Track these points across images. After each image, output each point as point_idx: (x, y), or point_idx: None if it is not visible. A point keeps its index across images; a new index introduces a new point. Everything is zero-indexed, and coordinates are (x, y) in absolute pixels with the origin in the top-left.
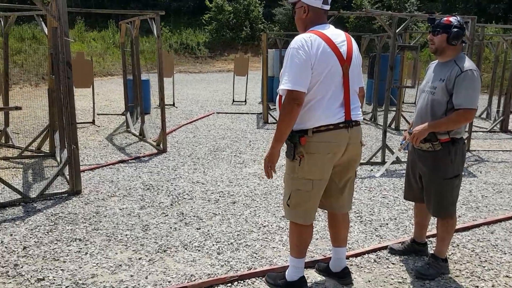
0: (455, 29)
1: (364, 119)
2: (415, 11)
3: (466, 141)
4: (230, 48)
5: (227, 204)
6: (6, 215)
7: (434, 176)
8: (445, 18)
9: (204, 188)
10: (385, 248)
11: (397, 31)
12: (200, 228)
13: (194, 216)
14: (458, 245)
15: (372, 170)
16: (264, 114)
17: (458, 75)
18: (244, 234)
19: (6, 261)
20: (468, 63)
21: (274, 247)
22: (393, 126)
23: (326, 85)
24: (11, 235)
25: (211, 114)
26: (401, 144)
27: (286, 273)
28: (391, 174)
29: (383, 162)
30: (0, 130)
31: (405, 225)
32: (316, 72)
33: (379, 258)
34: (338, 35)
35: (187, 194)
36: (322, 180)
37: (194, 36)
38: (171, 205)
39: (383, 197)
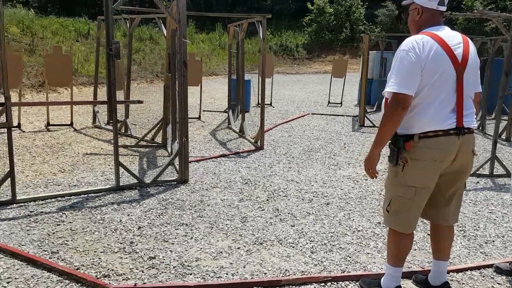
0: None
1: None
2: None
3: None
4: (328, 49)
5: (321, 204)
6: (124, 197)
7: None
8: None
9: (298, 187)
10: (490, 266)
11: None
12: (294, 225)
13: (288, 213)
14: None
15: (478, 182)
16: (361, 116)
17: None
18: (337, 236)
19: (124, 238)
20: None
21: (368, 253)
22: (503, 136)
23: (437, 88)
24: (128, 215)
25: (306, 115)
26: None
27: (382, 280)
28: (499, 188)
29: (491, 175)
30: (121, 120)
31: None
32: (427, 75)
33: (483, 276)
34: (453, 37)
35: (282, 191)
36: (426, 188)
37: (294, 38)
38: (267, 200)
39: (490, 212)
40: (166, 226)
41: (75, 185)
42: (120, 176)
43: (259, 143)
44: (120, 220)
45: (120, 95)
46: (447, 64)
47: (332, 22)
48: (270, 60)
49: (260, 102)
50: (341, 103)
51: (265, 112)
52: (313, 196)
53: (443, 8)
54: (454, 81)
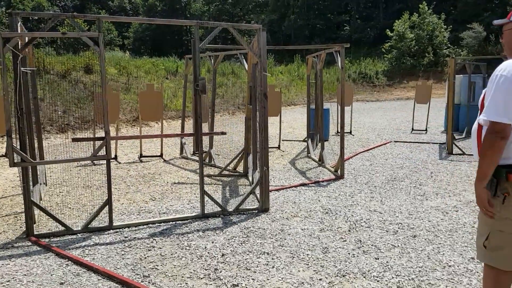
0: None
1: None
2: None
3: None
4: (410, 75)
5: (407, 237)
6: (209, 224)
7: None
8: None
9: (381, 218)
10: None
11: None
12: (378, 258)
13: (372, 245)
14: None
15: None
16: (449, 144)
17: None
18: (426, 271)
19: (208, 264)
20: None
21: None
22: None
23: None
24: (212, 242)
25: (388, 143)
26: None
27: None
28: None
29: None
30: (205, 151)
31: None
32: None
33: None
34: None
35: (364, 222)
36: None
37: (373, 65)
38: (349, 231)
39: None
40: (248, 254)
41: (164, 213)
42: (205, 204)
43: (339, 172)
44: (205, 247)
45: (204, 127)
46: None
47: (413, 48)
48: (349, 88)
49: (339, 130)
50: (426, 130)
51: (344, 141)
52: (398, 228)
53: None
54: None
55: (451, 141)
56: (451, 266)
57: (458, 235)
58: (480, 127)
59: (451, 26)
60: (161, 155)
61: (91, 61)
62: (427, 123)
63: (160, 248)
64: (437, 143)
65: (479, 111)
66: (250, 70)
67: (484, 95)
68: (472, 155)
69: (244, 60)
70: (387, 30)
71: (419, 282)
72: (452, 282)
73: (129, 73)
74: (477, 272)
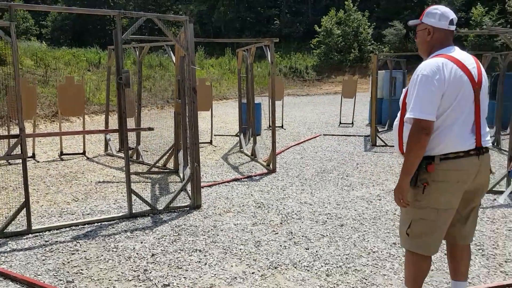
0: None
1: None
2: None
3: None
4: (338, 70)
5: (335, 226)
6: (137, 224)
7: None
8: None
9: (311, 209)
10: (510, 285)
11: None
12: (308, 248)
13: (302, 236)
14: None
15: (495, 199)
16: (372, 136)
17: None
18: (353, 258)
19: (137, 266)
20: None
21: (385, 275)
22: None
23: (458, 110)
24: (141, 242)
25: (318, 136)
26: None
27: None
28: None
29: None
30: (132, 148)
31: None
32: (448, 98)
33: None
34: (467, 58)
35: (295, 214)
36: (449, 209)
37: (303, 60)
38: (281, 223)
39: (509, 230)
40: (179, 252)
41: (88, 214)
42: (133, 203)
43: (271, 166)
44: (134, 248)
45: (131, 122)
46: (467, 85)
47: (340, 43)
48: (280, 82)
49: (271, 124)
50: (352, 123)
51: (276, 135)
52: (327, 218)
53: (453, 27)
54: (473, 102)
55: (374, 134)
56: (375, 252)
57: (381, 222)
58: (401, 123)
59: (374, 23)
60: (83, 153)
61: (3, 52)
62: (353, 117)
63: (84, 251)
64: (362, 136)
65: (400, 109)
66: (178, 63)
67: (406, 94)
68: (393, 146)
69: (171, 52)
70: (316, 25)
71: (346, 269)
72: (376, 267)
73: (46, 65)
74: (399, 256)
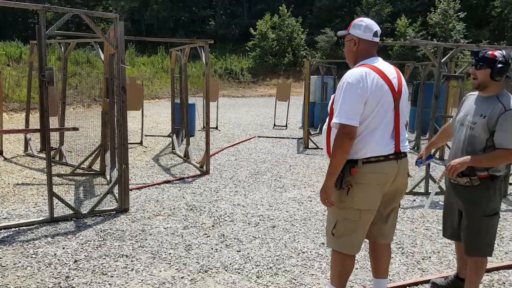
0: (500, 65)
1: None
2: (461, 39)
3: (504, 178)
4: (273, 73)
5: (267, 228)
6: (59, 229)
7: (473, 212)
8: (489, 52)
9: (244, 211)
10: (427, 282)
11: (442, 60)
12: (240, 251)
13: (234, 238)
14: (504, 283)
15: (414, 200)
16: (305, 139)
17: (501, 113)
18: (283, 259)
19: (59, 272)
20: None
21: (313, 274)
22: (437, 155)
23: (379, 117)
24: (63, 248)
25: (252, 138)
26: (417, 163)
27: None
28: (434, 205)
29: (426, 193)
30: (55, 148)
31: (449, 259)
32: (370, 105)
33: None
34: (389, 68)
35: (228, 216)
36: (370, 210)
37: (238, 62)
38: (213, 226)
39: (426, 229)
40: (104, 258)
41: (5, 218)
42: (55, 207)
43: (204, 167)
44: (55, 254)
45: (54, 121)
46: (387, 94)
47: (275, 47)
48: (215, 83)
49: (205, 125)
50: (286, 125)
51: (210, 136)
52: (259, 220)
53: (377, 39)
54: (393, 110)
55: (307, 136)
56: (304, 252)
57: (312, 223)
58: (329, 128)
59: (307, 29)
60: (0, 153)
61: None
62: (287, 119)
63: (0, 258)
64: (295, 138)
65: (329, 115)
66: (107, 61)
67: (333, 100)
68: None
69: (100, 49)
70: (251, 28)
71: (276, 270)
72: (305, 267)
73: None
74: (326, 256)
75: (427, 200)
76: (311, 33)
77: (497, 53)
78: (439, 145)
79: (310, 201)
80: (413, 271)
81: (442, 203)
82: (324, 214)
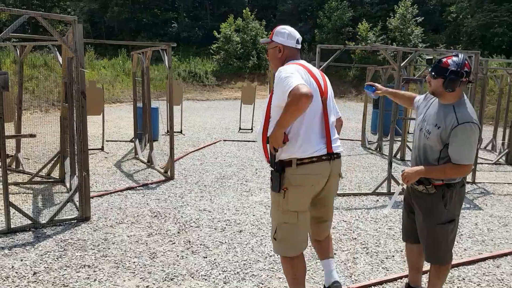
0: (451, 76)
1: (369, 148)
2: (419, 43)
3: (465, 183)
4: (237, 76)
5: (234, 232)
6: (17, 240)
7: (428, 220)
8: (444, 60)
9: (211, 216)
10: (391, 281)
11: (402, 64)
12: (206, 257)
13: (201, 245)
14: (464, 279)
15: (377, 200)
16: None
17: (454, 127)
18: (250, 263)
19: (17, 286)
20: (467, 113)
21: (280, 277)
22: (398, 156)
23: (310, 118)
24: (21, 260)
25: (218, 142)
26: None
27: None
28: (397, 205)
29: (389, 193)
30: (11, 155)
31: None
32: None
33: None
34: (315, 69)
35: (194, 222)
36: (306, 211)
37: (202, 64)
38: (178, 232)
39: (389, 229)
40: (65, 269)
41: None
42: (11, 217)
43: (169, 173)
44: (13, 267)
45: (10, 127)
46: (316, 93)
47: (239, 50)
48: (179, 87)
49: (169, 130)
50: (251, 129)
51: (175, 140)
52: (226, 225)
53: (299, 46)
54: (322, 110)
55: None
56: (272, 255)
57: None
58: (265, 130)
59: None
60: None
61: None
62: (252, 123)
63: None
64: None
65: (264, 118)
66: (65, 65)
67: (270, 100)
68: None
69: (57, 52)
70: (215, 31)
71: (243, 275)
72: (273, 271)
73: None
74: None
75: (389, 200)
76: None
77: (450, 61)
78: (395, 99)
79: None
80: (377, 271)
81: None
82: None
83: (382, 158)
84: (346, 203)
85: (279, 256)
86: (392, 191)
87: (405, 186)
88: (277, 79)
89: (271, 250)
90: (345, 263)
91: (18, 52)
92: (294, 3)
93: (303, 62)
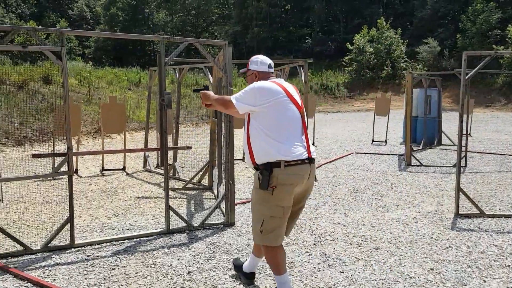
0: None
1: None
2: None
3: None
4: (370, 87)
5: (370, 249)
6: (174, 240)
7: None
8: None
9: (345, 230)
10: None
11: None
12: (343, 272)
13: (337, 259)
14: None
15: None
16: (407, 155)
17: None
18: (389, 283)
19: (174, 283)
20: None
21: None
22: None
23: (293, 127)
24: (178, 259)
25: (350, 154)
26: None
27: None
28: None
29: None
30: (169, 164)
31: None
32: (279, 113)
33: None
34: (291, 87)
35: (329, 235)
36: (289, 207)
37: (334, 77)
38: (314, 244)
39: None
40: (214, 271)
41: (128, 229)
42: (170, 219)
43: None
44: (171, 264)
45: (169, 139)
46: (293, 109)
47: (372, 61)
48: (312, 100)
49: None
50: (385, 141)
51: None
52: (362, 240)
53: (272, 70)
54: (301, 123)
55: (409, 153)
56: (412, 277)
57: (418, 246)
58: (248, 135)
59: (407, 40)
60: (123, 168)
61: (50, 72)
62: (386, 135)
63: (124, 266)
64: (396, 155)
65: (247, 123)
66: (216, 84)
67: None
68: (429, 166)
69: (209, 73)
70: (348, 43)
71: None
72: None
73: (90, 84)
74: (436, 282)
75: None
76: (411, 44)
77: None
78: None
79: (415, 222)
80: None
81: None
82: (432, 237)
83: None
84: (497, 225)
85: (443, 271)
86: None
87: None
88: (250, 86)
89: (411, 271)
90: None
91: (177, 73)
92: (433, 8)
93: (277, 80)
